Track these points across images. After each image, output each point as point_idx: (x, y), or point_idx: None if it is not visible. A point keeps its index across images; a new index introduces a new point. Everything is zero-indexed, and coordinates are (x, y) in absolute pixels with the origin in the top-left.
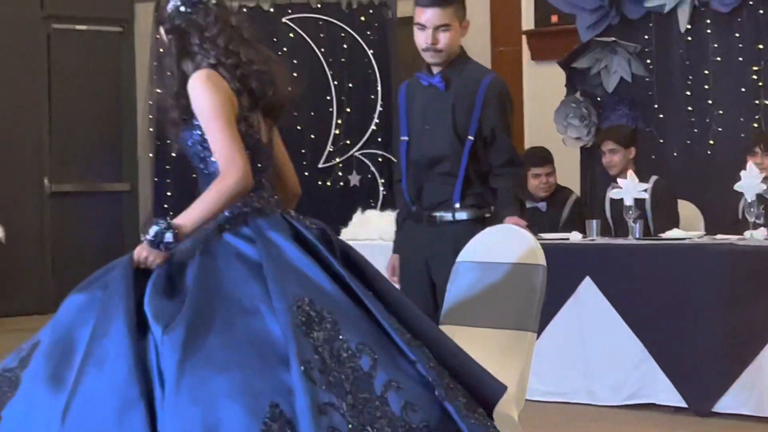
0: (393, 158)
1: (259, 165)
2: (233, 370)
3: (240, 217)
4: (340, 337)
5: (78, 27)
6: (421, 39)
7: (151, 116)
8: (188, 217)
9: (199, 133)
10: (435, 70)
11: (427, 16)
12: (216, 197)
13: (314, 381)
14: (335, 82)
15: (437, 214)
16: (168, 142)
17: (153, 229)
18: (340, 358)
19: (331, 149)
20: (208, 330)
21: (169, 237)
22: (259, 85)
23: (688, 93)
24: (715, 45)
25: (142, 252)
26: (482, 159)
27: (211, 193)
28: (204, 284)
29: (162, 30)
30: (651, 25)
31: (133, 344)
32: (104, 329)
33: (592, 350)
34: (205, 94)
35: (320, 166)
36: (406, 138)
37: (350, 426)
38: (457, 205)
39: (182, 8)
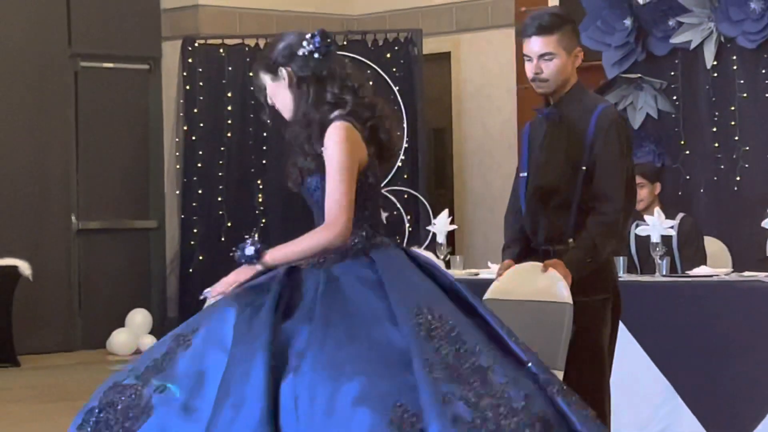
0: (419, 195)
1: (371, 203)
2: (360, 377)
3: (361, 250)
4: (459, 338)
5: (105, 65)
6: (529, 69)
7: (177, 153)
8: (277, 251)
9: (319, 182)
10: (551, 102)
11: (530, 45)
12: (310, 245)
13: (436, 376)
14: None
15: (550, 248)
16: (195, 179)
17: (241, 245)
18: (459, 356)
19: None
20: (336, 346)
21: (250, 251)
22: (386, 136)
23: (715, 129)
24: (741, 81)
25: (231, 277)
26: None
27: (306, 239)
28: (331, 305)
29: (285, 72)
30: (677, 61)
31: (269, 389)
32: (245, 371)
33: (618, 387)
34: (341, 146)
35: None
36: (525, 174)
37: (474, 414)
38: (571, 241)
39: (316, 55)
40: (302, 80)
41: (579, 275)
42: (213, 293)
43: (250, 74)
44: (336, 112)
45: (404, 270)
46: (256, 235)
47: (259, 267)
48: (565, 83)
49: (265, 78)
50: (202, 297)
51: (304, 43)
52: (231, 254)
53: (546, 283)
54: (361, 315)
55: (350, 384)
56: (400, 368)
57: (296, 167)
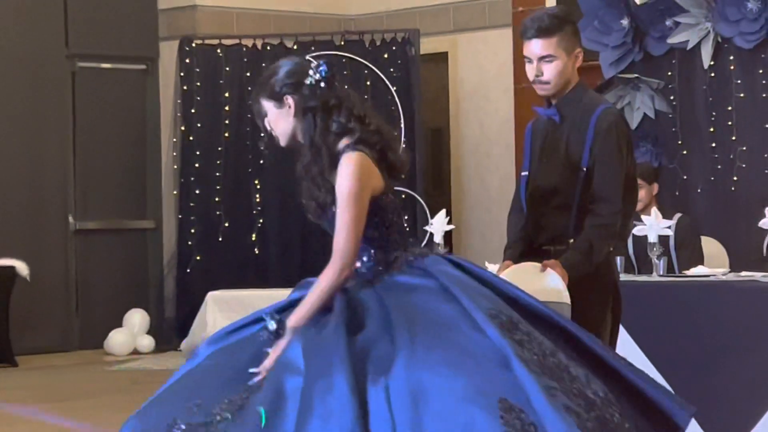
0: (416, 196)
1: (397, 216)
2: (459, 378)
3: (406, 262)
4: (537, 338)
5: (103, 65)
6: (529, 71)
7: (175, 153)
8: (298, 313)
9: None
10: (552, 102)
11: (530, 48)
12: (321, 292)
13: (535, 370)
14: None
15: (551, 248)
16: (192, 179)
17: (263, 325)
18: (544, 354)
19: None
20: (427, 350)
21: (272, 326)
22: (394, 155)
23: (712, 129)
24: (739, 81)
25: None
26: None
27: (317, 289)
28: (404, 316)
29: (291, 100)
30: (674, 61)
31: (356, 397)
32: (327, 384)
33: None
34: (352, 178)
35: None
36: (526, 173)
37: (577, 403)
38: (571, 241)
39: (323, 84)
40: (308, 109)
41: (576, 276)
42: (261, 375)
43: (248, 74)
44: (345, 141)
45: (461, 276)
46: (269, 316)
47: (289, 336)
48: (566, 84)
49: (268, 105)
50: (252, 372)
51: (311, 72)
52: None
53: (544, 284)
54: (441, 319)
55: (452, 383)
56: (496, 366)
57: (313, 200)
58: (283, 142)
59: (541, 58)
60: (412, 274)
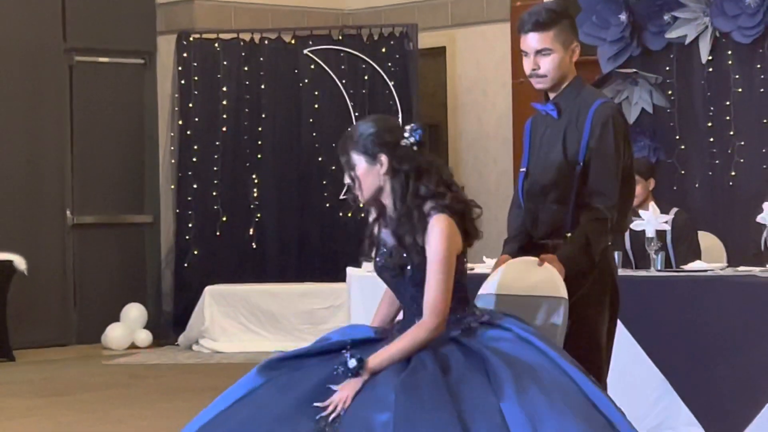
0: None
1: (464, 282)
2: (567, 409)
3: (480, 323)
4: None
5: (100, 59)
6: (526, 65)
7: (172, 148)
8: (381, 357)
9: (421, 274)
10: (550, 97)
11: (528, 41)
12: (414, 342)
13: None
14: (356, 114)
15: (549, 242)
16: (190, 174)
17: (341, 359)
18: None
19: None
20: (534, 395)
21: (352, 363)
22: (471, 224)
23: (710, 124)
24: (737, 76)
25: (343, 393)
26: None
27: (408, 338)
28: (508, 362)
29: (385, 159)
30: (672, 56)
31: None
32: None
33: (614, 383)
34: (445, 242)
35: (341, 197)
36: (524, 169)
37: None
38: (569, 234)
39: (415, 147)
40: (400, 170)
41: (573, 270)
42: (329, 410)
43: (245, 69)
44: (432, 203)
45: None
46: (350, 347)
47: (365, 377)
48: (563, 78)
49: (359, 159)
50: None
51: (406, 134)
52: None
53: (541, 278)
54: (529, 361)
55: (562, 408)
56: (592, 410)
57: (394, 260)
58: (365, 197)
59: (538, 52)
60: (486, 328)
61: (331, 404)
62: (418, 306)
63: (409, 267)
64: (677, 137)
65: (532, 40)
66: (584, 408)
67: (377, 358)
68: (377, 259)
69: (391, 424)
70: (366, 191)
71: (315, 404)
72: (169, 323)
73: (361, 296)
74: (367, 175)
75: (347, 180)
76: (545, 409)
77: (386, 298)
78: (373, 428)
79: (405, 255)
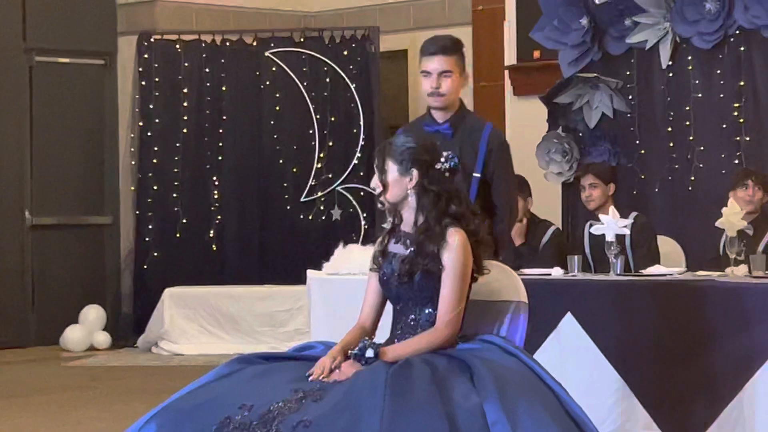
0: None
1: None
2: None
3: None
4: None
5: (61, 60)
6: (427, 84)
7: (133, 149)
8: (396, 350)
9: (429, 281)
10: (439, 118)
11: (433, 63)
12: (427, 344)
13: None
14: (317, 116)
15: None
16: (150, 175)
17: (361, 345)
18: None
19: (313, 183)
20: (514, 397)
21: (370, 353)
22: (480, 259)
23: (670, 129)
24: (697, 81)
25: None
26: (488, 198)
27: (422, 340)
28: (491, 369)
29: (417, 174)
30: (633, 61)
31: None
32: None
33: (573, 386)
34: (463, 258)
35: (302, 200)
36: None
37: None
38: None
39: (447, 174)
40: (429, 190)
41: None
42: (322, 375)
43: (206, 70)
44: (451, 221)
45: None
46: (367, 338)
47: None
48: (455, 99)
49: (393, 167)
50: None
51: (442, 159)
52: (351, 355)
53: (505, 284)
54: (516, 371)
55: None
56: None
57: (403, 263)
58: (391, 199)
59: (441, 73)
60: (474, 342)
61: (324, 369)
62: (419, 309)
63: (419, 273)
64: (637, 142)
65: (438, 63)
66: (562, 417)
67: (394, 352)
68: (384, 270)
69: (380, 410)
70: (391, 197)
71: (308, 373)
72: (129, 325)
73: (321, 299)
74: (397, 184)
75: (374, 183)
76: (524, 411)
77: (366, 308)
78: (360, 413)
79: (419, 262)
